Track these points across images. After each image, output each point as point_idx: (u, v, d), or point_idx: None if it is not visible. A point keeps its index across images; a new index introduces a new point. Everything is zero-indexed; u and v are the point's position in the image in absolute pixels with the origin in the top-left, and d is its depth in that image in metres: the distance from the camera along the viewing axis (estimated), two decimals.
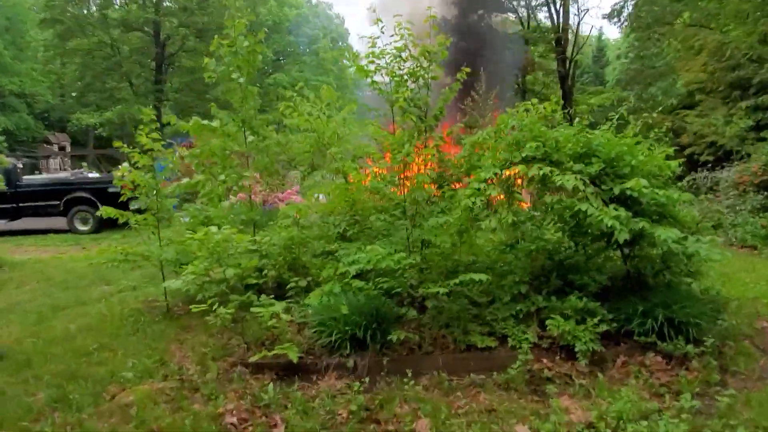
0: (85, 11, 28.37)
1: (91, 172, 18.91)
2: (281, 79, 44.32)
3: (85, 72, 28.26)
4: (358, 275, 4.36)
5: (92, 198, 13.51)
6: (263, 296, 4.43)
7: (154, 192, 5.74)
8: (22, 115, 36.42)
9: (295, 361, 3.93)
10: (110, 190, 13.59)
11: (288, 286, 5.04)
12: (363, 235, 4.98)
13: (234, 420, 3.39)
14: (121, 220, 5.86)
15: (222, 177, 5.25)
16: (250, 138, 5.48)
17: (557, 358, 4.07)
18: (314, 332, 4.19)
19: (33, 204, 13.28)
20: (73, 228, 13.53)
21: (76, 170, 17.98)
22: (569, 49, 24.99)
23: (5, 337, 5.36)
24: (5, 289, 7.50)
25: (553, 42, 26.14)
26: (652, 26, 17.42)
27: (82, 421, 3.52)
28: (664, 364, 3.94)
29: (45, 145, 32.37)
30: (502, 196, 4.37)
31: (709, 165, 11.66)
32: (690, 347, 3.93)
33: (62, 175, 16.37)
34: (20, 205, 13.34)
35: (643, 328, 4.09)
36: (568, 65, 25.04)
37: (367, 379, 3.87)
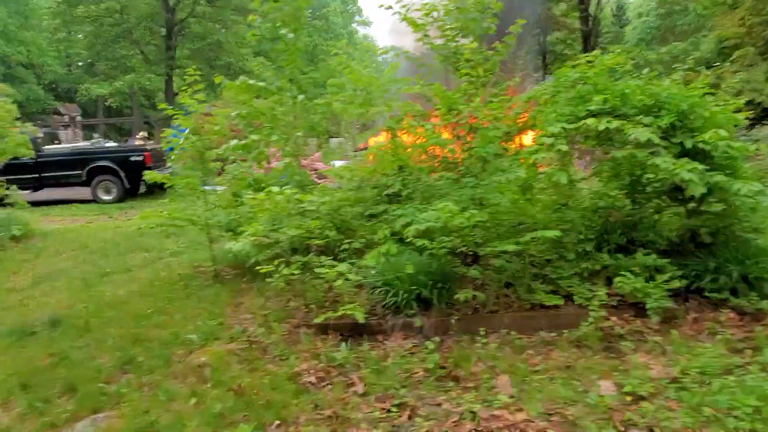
0: None
1: (107, 142, 18.86)
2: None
3: (94, 40, 27.87)
4: (419, 235, 4.28)
5: (115, 167, 13.44)
6: (323, 257, 4.38)
7: (200, 155, 5.60)
8: (31, 86, 36.14)
9: (361, 321, 3.90)
10: (132, 158, 13.57)
11: (341, 248, 4.97)
12: (418, 194, 4.88)
13: (312, 379, 3.37)
14: (167, 185, 5.73)
15: (275, 137, 5.11)
16: (300, 97, 5.32)
17: (626, 315, 4.01)
18: (380, 292, 4.13)
19: (55, 174, 13.24)
20: (96, 197, 13.52)
21: (94, 140, 17.93)
22: (592, 6, 24.27)
23: (54, 304, 5.37)
24: (43, 257, 7.51)
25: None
26: None
27: (157, 381, 3.51)
28: (738, 320, 3.87)
29: (55, 116, 32.23)
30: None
31: (748, 124, 11.37)
32: (765, 303, 3.85)
33: (83, 144, 16.25)
34: (43, 175, 13.31)
35: (715, 284, 4.01)
36: (590, 23, 24.39)
37: (436, 339, 3.83)
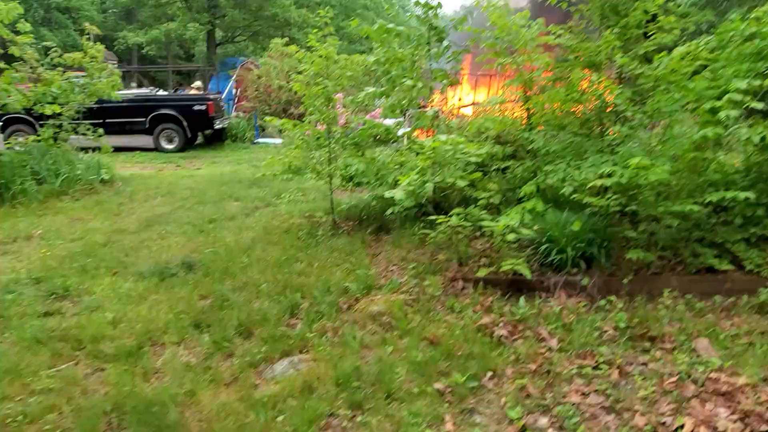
0: None
1: (157, 90, 18.69)
2: None
3: None
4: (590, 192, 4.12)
5: (178, 116, 13.35)
6: (476, 209, 4.24)
7: (328, 103, 5.42)
8: (69, 31, 35.91)
9: (528, 277, 3.79)
10: (196, 108, 13.46)
11: (479, 202, 4.81)
12: (568, 151, 4.66)
13: (504, 332, 3.28)
14: (291, 131, 5.59)
15: (420, 85, 4.89)
16: (442, 44, 5.07)
17: None
18: (545, 249, 3.99)
19: (119, 121, 13.18)
20: (158, 146, 13.50)
21: (152, 88, 17.81)
22: None
23: (177, 247, 5.35)
24: (137, 201, 7.50)
25: None
26: None
27: (337, 328, 3.46)
28: None
29: None
30: None
31: None
32: None
33: (145, 91, 16.12)
34: (106, 121, 13.26)
35: None
36: None
37: (611, 298, 3.70)
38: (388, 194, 4.02)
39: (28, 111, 8.25)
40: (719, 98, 3.79)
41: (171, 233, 5.88)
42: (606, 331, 3.32)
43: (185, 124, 13.43)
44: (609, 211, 4.06)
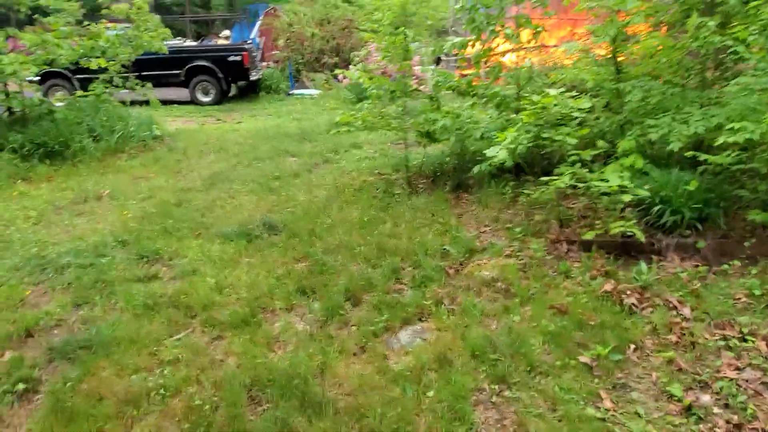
0: None
1: (185, 41, 18.24)
2: None
3: None
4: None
5: (214, 67, 13.03)
6: (582, 168, 4.00)
7: (406, 55, 5.13)
8: None
9: (642, 240, 3.59)
10: (231, 59, 13.12)
11: (569, 159, 4.57)
12: (671, 103, 4.36)
13: (633, 300, 3.12)
14: (367, 84, 5.32)
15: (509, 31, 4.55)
16: None
17: None
18: (657, 210, 3.78)
19: (154, 73, 12.86)
20: (195, 99, 13.25)
21: (181, 39, 17.36)
22: None
23: (249, 207, 5.23)
24: (193, 158, 7.37)
25: None
26: None
27: (450, 294, 3.33)
28: None
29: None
30: None
31: None
32: None
33: (179, 42, 15.65)
34: (142, 74, 13.00)
35: None
36: None
37: (735, 262, 3.50)
38: (489, 152, 3.80)
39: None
40: None
41: (239, 192, 5.76)
42: (739, 299, 3.15)
43: (221, 75, 13.12)
44: (727, 169, 3.81)
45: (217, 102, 13.28)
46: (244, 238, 4.40)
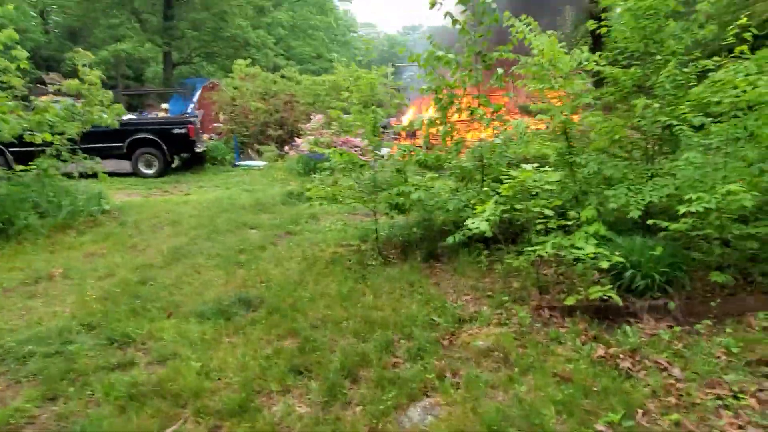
0: None
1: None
2: (280, 18, 42.48)
3: (91, 5, 26.32)
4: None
5: (158, 140, 12.82)
6: (560, 237, 4.20)
7: (375, 131, 5.30)
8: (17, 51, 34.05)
9: (620, 303, 3.79)
10: (176, 131, 13.00)
11: (536, 228, 4.80)
12: (622, 175, 4.73)
13: (628, 364, 3.23)
14: (339, 161, 5.38)
15: (480, 111, 4.82)
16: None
17: None
18: (630, 274, 4.00)
19: (96, 146, 12.46)
20: (137, 171, 12.91)
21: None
22: None
23: (220, 283, 5.06)
24: (145, 234, 7.08)
25: None
26: None
27: (450, 366, 3.32)
28: None
29: (39, 86, 30.61)
30: None
31: None
32: None
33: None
34: (83, 146, 12.58)
35: None
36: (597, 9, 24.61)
37: (706, 322, 3.73)
38: (473, 225, 3.93)
39: None
40: None
41: (204, 267, 5.57)
42: (720, 357, 3.33)
43: (165, 147, 12.92)
44: (686, 235, 4.13)
45: (161, 174, 13.00)
46: (221, 316, 4.23)
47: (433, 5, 5.15)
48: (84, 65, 7.87)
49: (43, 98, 7.89)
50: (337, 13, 54.91)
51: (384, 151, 16.59)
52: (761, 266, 4.22)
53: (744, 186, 3.68)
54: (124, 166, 13.17)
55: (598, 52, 5.32)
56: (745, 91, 4.07)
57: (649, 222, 4.22)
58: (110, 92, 8.33)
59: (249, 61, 23.16)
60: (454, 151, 5.37)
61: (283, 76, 21.56)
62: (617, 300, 3.78)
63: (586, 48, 5.22)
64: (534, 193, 4.22)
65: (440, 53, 4.92)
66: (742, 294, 4.12)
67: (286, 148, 14.64)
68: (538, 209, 4.06)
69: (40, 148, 7.63)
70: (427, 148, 5.61)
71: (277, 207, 8.72)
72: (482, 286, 4.52)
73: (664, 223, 4.08)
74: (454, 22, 5.16)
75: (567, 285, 4.33)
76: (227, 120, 15.90)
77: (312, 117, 14.43)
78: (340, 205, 6.20)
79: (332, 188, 5.44)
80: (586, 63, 5.20)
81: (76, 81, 7.68)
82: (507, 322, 3.83)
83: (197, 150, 13.65)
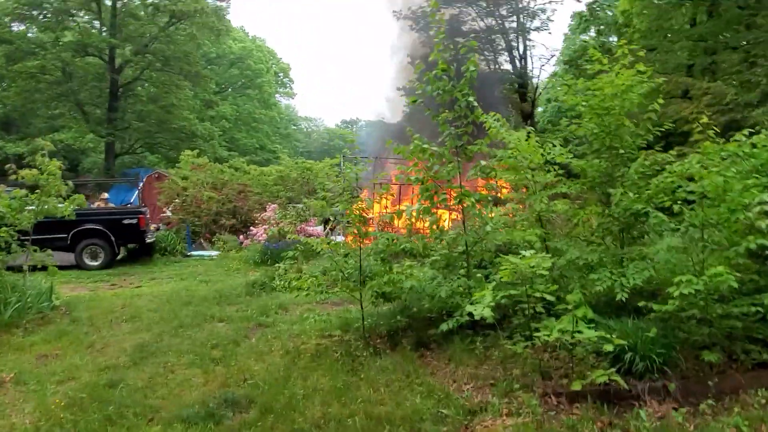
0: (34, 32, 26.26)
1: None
2: (224, 111, 43.32)
3: (31, 96, 25.83)
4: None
5: (105, 231, 12.27)
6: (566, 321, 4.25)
7: (362, 222, 5.33)
8: None
9: (625, 387, 3.82)
10: (125, 222, 12.54)
11: (527, 313, 4.86)
12: (602, 263, 4.95)
13: None
14: (319, 249, 5.30)
15: (470, 200, 4.97)
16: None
17: None
18: (629, 356, 4.06)
19: (37, 237, 11.77)
20: (81, 263, 12.18)
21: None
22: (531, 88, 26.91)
23: (200, 383, 4.73)
24: (102, 330, 6.57)
25: (516, 84, 27.99)
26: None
27: None
28: None
29: None
30: None
31: None
32: None
33: None
34: (21, 238, 11.82)
35: None
36: (531, 104, 26.85)
37: (709, 402, 3.80)
38: (476, 311, 3.93)
39: None
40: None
41: (177, 365, 5.19)
42: None
43: (113, 238, 12.36)
44: (676, 316, 4.29)
45: (107, 266, 12.35)
46: (209, 419, 3.90)
47: (414, 102, 5.44)
48: (43, 154, 7.58)
49: None
50: (280, 106, 56.81)
51: (340, 238, 16.58)
52: (742, 344, 4.42)
53: (727, 268, 3.93)
54: (66, 258, 12.40)
55: (566, 147, 5.74)
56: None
57: (639, 304, 4.37)
58: (70, 183, 7.99)
59: (197, 151, 23.24)
60: (437, 238, 5.45)
61: (230, 167, 21.70)
62: (622, 384, 3.80)
63: (558, 142, 5.61)
64: (529, 277, 4.31)
65: (425, 146, 5.13)
66: (730, 371, 4.26)
67: (242, 237, 14.39)
68: (538, 294, 4.13)
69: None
70: (409, 235, 5.69)
71: (241, 298, 8.39)
72: (482, 374, 4.44)
73: (655, 305, 4.24)
74: (434, 117, 5.44)
75: (566, 370, 4.33)
76: (177, 209, 15.53)
77: (267, 207, 14.40)
78: (308, 296, 6.04)
79: (318, 278, 5.32)
80: (556, 156, 5.58)
81: (35, 171, 7.35)
82: (519, 411, 3.75)
83: (147, 240, 13.14)
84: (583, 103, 5.59)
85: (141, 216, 12.67)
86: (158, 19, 27.77)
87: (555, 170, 5.61)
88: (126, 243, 12.85)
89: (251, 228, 14.02)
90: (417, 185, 5.49)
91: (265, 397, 4.23)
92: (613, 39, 24.30)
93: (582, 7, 25.99)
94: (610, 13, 25.90)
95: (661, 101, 5.55)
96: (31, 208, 7.50)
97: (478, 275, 4.90)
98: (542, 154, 5.51)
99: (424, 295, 5.14)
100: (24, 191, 7.49)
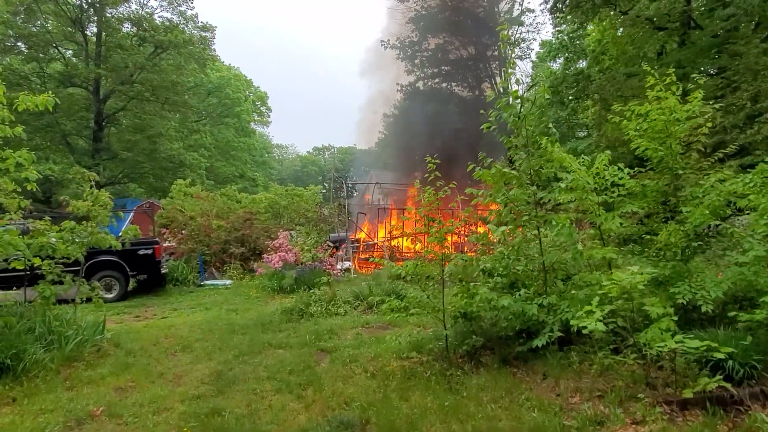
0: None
1: None
2: (204, 140, 43.09)
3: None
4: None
5: (121, 262, 12.06)
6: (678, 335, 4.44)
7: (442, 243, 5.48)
8: None
9: (734, 393, 4.02)
10: (141, 252, 12.36)
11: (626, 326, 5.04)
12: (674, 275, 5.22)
13: None
14: (404, 274, 5.43)
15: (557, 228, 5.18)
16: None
17: None
18: (731, 363, 4.27)
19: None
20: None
21: None
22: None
23: (300, 407, 4.73)
24: (164, 362, 6.48)
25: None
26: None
27: None
28: None
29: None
30: None
31: None
32: None
33: None
34: (36, 272, 11.52)
35: None
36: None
37: None
38: (590, 326, 4.10)
39: None
40: None
41: (265, 392, 5.18)
42: None
43: (128, 270, 12.15)
44: (763, 324, 4.56)
45: (122, 298, 12.09)
46: None
47: (488, 128, 5.68)
48: (91, 186, 7.52)
49: (39, 222, 7.35)
50: (256, 134, 56.84)
51: (346, 264, 16.53)
52: None
53: None
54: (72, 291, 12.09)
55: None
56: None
57: (730, 314, 4.62)
58: (121, 212, 7.91)
59: (189, 180, 23.06)
60: (514, 258, 5.64)
61: (222, 195, 21.62)
62: (732, 390, 4.01)
63: (622, 165, 5.91)
64: (631, 292, 4.51)
65: (506, 170, 5.34)
66: None
67: (255, 265, 14.30)
68: (650, 309, 4.33)
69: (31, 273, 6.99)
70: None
71: (282, 325, 8.38)
72: (585, 386, 4.59)
73: (744, 315, 4.49)
74: (507, 142, 5.68)
75: (665, 380, 4.51)
76: (185, 239, 15.35)
77: (279, 234, 14.39)
78: (353, 320, 6.01)
79: (411, 298, 5.45)
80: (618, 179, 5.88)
81: (87, 202, 7.27)
82: (645, 419, 3.90)
83: (162, 271, 12.96)
84: (635, 129, 5.95)
85: (156, 246, 12.51)
86: (144, 50, 27.68)
87: (618, 191, 5.89)
88: (141, 274, 12.61)
89: (263, 255, 13.95)
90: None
91: (380, 418, 4.28)
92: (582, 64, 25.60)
93: (549, 36, 27.21)
94: (578, 42, 27.21)
95: (708, 126, 5.97)
96: (77, 240, 7.36)
97: (574, 292, 5.09)
98: (605, 178, 5.79)
99: (509, 313, 5.28)
100: (72, 223, 7.40)
